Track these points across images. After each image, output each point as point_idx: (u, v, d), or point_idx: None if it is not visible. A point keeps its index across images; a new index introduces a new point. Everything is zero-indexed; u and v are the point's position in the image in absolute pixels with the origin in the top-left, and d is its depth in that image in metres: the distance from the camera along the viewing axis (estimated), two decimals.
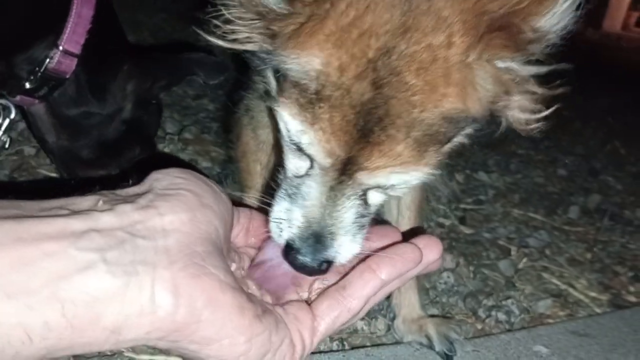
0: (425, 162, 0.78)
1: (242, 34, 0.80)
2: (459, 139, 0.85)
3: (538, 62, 0.79)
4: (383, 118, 0.74)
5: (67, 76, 1.27)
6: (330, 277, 0.79)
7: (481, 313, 1.43)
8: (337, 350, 1.16)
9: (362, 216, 0.82)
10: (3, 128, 1.31)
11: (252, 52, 0.83)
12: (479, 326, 1.39)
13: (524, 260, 1.73)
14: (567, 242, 1.94)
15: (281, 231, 0.81)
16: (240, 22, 0.79)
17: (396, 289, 1.19)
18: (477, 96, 0.76)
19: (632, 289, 1.71)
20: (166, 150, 1.82)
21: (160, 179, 0.66)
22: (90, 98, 1.33)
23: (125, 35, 1.43)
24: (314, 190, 0.81)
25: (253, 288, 0.76)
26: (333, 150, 0.76)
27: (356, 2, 0.74)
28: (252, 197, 1.18)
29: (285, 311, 0.70)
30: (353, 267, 0.78)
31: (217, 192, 0.68)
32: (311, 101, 0.76)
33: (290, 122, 0.79)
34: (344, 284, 0.75)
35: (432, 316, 1.27)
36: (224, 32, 0.80)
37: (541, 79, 0.81)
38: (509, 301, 1.48)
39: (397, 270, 0.75)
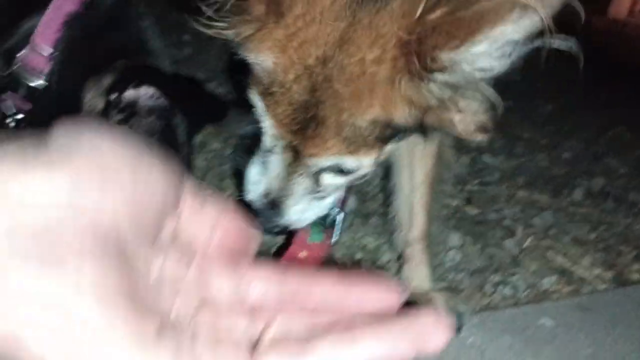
0: (365, 153, 0.90)
1: (221, 25, 0.89)
2: (398, 140, 0.94)
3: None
4: (316, 117, 0.86)
5: (40, 76, 1.10)
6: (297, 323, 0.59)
7: (487, 289, 1.46)
8: None
9: (315, 192, 0.98)
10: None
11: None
12: (486, 301, 1.42)
13: (529, 239, 1.76)
14: (572, 222, 1.97)
15: (248, 192, 1.00)
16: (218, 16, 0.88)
17: (406, 263, 1.24)
18: (402, 110, 0.85)
19: (635, 267, 1.74)
20: None
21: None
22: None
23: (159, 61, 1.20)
24: (275, 164, 0.96)
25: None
26: (280, 136, 0.91)
27: (304, 14, 0.83)
28: None
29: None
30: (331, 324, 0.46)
31: (147, 161, 0.42)
32: (265, 92, 0.89)
33: (257, 102, 0.93)
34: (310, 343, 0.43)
35: (442, 289, 1.31)
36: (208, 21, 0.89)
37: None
38: (515, 277, 1.52)
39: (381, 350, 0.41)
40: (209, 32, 0.89)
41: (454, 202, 1.90)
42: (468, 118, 0.88)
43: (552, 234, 1.84)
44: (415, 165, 1.27)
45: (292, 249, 1.14)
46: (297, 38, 0.84)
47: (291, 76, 0.85)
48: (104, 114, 1.00)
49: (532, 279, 1.55)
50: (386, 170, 1.40)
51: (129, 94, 0.97)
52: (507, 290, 1.46)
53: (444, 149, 1.28)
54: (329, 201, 1.03)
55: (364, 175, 0.98)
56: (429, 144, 1.24)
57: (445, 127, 0.91)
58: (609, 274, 1.66)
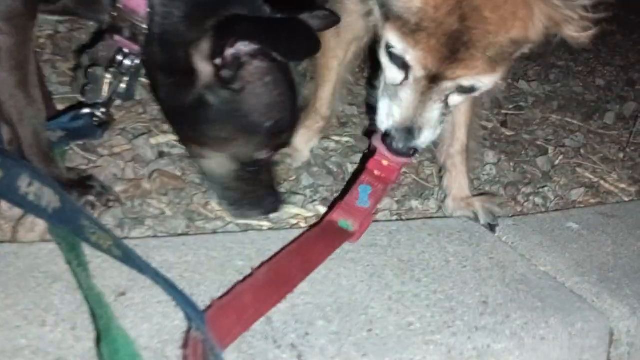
0: (496, 71, 1.08)
1: None
2: (520, 52, 1.12)
3: None
4: (467, 42, 1.02)
5: (140, 19, 1.13)
6: None
7: (520, 198, 1.62)
8: (397, 220, 1.37)
9: (443, 114, 1.15)
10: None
11: None
12: (519, 209, 1.58)
13: (560, 157, 1.90)
14: (602, 143, 2.09)
15: (383, 122, 1.16)
16: None
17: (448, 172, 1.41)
18: (536, 27, 1.03)
19: None
20: None
21: None
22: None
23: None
24: (409, 95, 1.11)
25: None
26: (428, 64, 1.06)
27: None
28: (327, 90, 1.38)
29: None
30: None
31: None
32: (412, 29, 1.03)
33: (397, 43, 1.07)
34: None
35: (479, 194, 1.47)
36: None
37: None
38: (545, 189, 1.67)
39: None
40: None
41: (490, 125, 2.03)
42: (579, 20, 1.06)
43: (582, 153, 1.97)
44: None
45: (377, 156, 1.25)
46: None
47: (443, 10, 1.01)
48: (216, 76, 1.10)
49: (562, 191, 1.70)
50: None
51: (228, 52, 1.07)
52: (538, 200, 1.61)
53: None
54: (449, 118, 1.20)
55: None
56: None
57: (563, 35, 1.09)
58: (633, 188, 1.80)
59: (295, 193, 1.42)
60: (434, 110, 1.12)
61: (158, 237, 1.17)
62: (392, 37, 1.08)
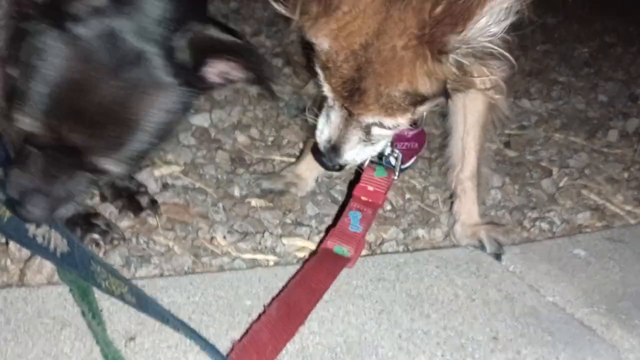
0: (397, 116, 1.15)
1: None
2: (429, 104, 1.18)
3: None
4: (360, 88, 1.11)
5: None
6: None
7: (526, 224, 1.61)
8: (404, 252, 1.37)
9: (366, 140, 1.23)
10: None
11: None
12: (525, 234, 1.57)
13: (565, 179, 1.90)
14: (606, 163, 2.08)
15: (318, 138, 1.26)
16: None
17: (457, 198, 1.42)
18: (424, 83, 1.09)
19: None
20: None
21: None
22: None
23: None
24: (335, 117, 1.21)
25: None
26: (335, 99, 1.17)
27: (350, 11, 1.07)
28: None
29: None
30: None
31: None
32: (323, 66, 1.14)
33: (319, 73, 1.18)
34: None
35: (486, 223, 1.46)
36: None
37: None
38: (551, 213, 1.66)
39: None
40: (279, 9, 1.13)
41: (494, 146, 2.02)
42: (487, 79, 1.15)
43: (587, 173, 1.97)
44: (467, 109, 1.42)
45: (362, 182, 1.35)
46: (345, 29, 1.08)
47: (341, 57, 1.10)
48: None
49: (567, 215, 1.69)
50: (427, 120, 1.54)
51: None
52: (544, 225, 1.60)
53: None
54: (379, 147, 1.28)
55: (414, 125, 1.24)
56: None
57: (466, 89, 1.16)
58: (639, 210, 1.79)
59: (301, 224, 1.41)
60: (354, 136, 1.21)
61: (165, 276, 1.17)
62: (315, 66, 1.17)
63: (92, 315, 0.93)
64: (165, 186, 1.47)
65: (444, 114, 1.53)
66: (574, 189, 1.86)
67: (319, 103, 1.29)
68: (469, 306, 1.17)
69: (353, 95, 1.13)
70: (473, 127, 1.42)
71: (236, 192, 1.50)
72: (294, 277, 1.14)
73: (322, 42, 1.12)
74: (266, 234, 1.34)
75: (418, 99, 1.13)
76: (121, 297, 0.98)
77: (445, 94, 1.16)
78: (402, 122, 1.17)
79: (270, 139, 1.79)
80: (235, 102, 1.91)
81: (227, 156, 1.64)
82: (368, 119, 1.17)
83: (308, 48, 1.18)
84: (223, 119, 1.81)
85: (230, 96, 1.94)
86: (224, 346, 0.96)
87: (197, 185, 1.50)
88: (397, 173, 1.39)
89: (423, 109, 1.20)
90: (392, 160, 1.38)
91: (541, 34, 3.18)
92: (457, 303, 1.18)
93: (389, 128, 1.20)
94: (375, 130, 1.21)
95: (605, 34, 3.61)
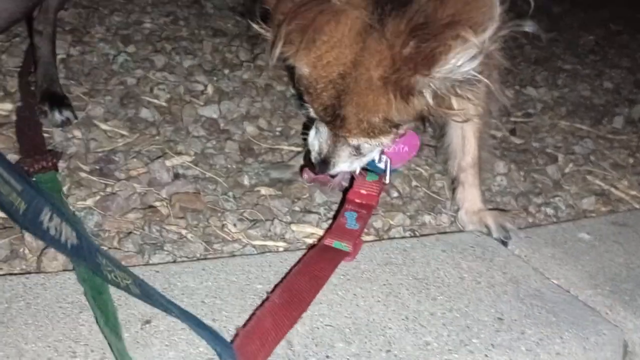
0: (381, 137, 1.21)
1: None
2: (412, 124, 1.28)
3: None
4: (340, 115, 1.17)
5: None
6: None
7: (532, 209, 1.64)
8: (410, 237, 1.40)
9: (355, 154, 1.29)
10: None
11: None
12: (530, 220, 1.60)
13: (570, 165, 1.92)
14: (611, 149, 2.10)
15: (310, 150, 1.33)
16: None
17: (460, 185, 1.44)
18: (399, 115, 1.14)
19: None
20: (244, 76, 2.03)
21: None
22: None
23: None
24: (324, 132, 1.27)
25: None
26: (319, 119, 1.24)
27: (327, 41, 1.11)
28: None
29: None
30: None
31: None
32: (305, 90, 1.20)
33: (303, 95, 1.23)
34: None
35: (491, 209, 1.49)
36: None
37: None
38: (557, 199, 1.69)
39: None
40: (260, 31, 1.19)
41: (500, 133, 2.05)
42: (466, 107, 1.18)
43: (592, 159, 1.99)
44: None
45: (355, 187, 1.38)
46: (323, 58, 1.13)
47: (321, 86, 1.16)
48: None
49: (573, 200, 1.71)
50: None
51: None
52: (550, 210, 1.63)
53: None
54: (368, 158, 1.34)
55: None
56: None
57: (446, 117, 1.25)
58: None
59: (309, 212, 1.44)
60: (343, 151, 1.27)
61: (178, 262, 1.20)
62: (299, 89, 1.24)
63: (105, 321, 0.93)
64: (176, 176, 1.50)
65: None
66: (579, 175, 1.88)
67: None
68: (474, 288, 1.20)
69: (335, 120, 1.19)
70: (472, 136, 1.46)
71: (246, 181, 1.53)
72: (295, 265, 1.16)
73: (303, 69, 1.17)
74: (275, 221, 1.37)
75: (398, 124, 1.19)
76: (127, 289, 1.00)
77: (422, 120, 1.24)
78: (386, 141, 1.24)
79: (278, 129, 1.81)
80: (243, 93, 1.94)
81: (237, 146, 1.67)
82: (353, 140, 1.23)
83: (292, 70, 1.23)
84: (232, 110, 1.83)
85: (239, 87, 1.97)
86: (234, 327, 0.99)
87: (208, 174, 1.53)
88: (387, 178, 1.42)
89: (406, 127, 1.28)
90: (382, 166, 1.41)
91: (547, 22, 3.18)
92: (462, 285, 1.20)
93: (376, 145, 1.27)
94: (364, 146, 1.27)
95: (611, 22, 3.61)
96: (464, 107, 1.17)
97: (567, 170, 1.89)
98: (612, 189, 1.82)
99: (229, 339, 0.95)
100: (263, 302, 1.06)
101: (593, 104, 2.47)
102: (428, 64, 1.03)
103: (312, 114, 1.25)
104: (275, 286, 1.10)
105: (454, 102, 1.15)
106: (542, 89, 2.46)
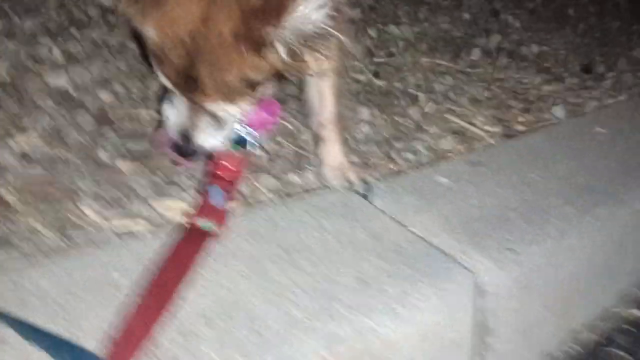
0: (238, 102, 1.18)
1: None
2: (269, 85, 1.22)
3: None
4: (194, 77, 1.11)
5: None
6: None
7: (394, 155, 1.68)
8: (277, 202, 1.40)
9: (215, 123, 1.22)
10: None
11: None
12: (393, 167, 1.65)
13: (430, 104, 1.98)
14: (469, 83, 2.19)
15: (166, 127, 1.25)
16: None
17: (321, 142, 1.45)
18: (253, 72, 1.12)
19: (521, 119, 2.00)
20: (94, 36, 1.90)
21: None
22: None
23: None
24: (179, 105, 1.21)
25: None
26: (173, 87, 1.16)
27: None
28: None
29: None
30: None
31: None
32: (154, 54, 1.14)
33: (152, 62, 1.17)
34: None
35: (353, 163, 1.52)
36: None
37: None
38: (417, 142, 1.75)
39: None
40: None
41: (363, 77, 2.06)
42: (321, 60, 1.16)
43: (451, 96, 2.06)
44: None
45: (216, 158, 1.33)
46: (169, 17, 1.09)
47: (168, 46, 1.10)
48: None
49: (432, 142, 1.78)
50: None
51: None
52: (410, 156, 1.68)
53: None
54: (230, 127, 1.26)
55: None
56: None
57: (302, 73, 1.22)
58: (497, 129, 1.92)
59: (171, 183, 1.40)
60: (201, 121, 1.21)
61: (27, 258, 1.13)
62: (149, 54, 1.17)
63: None
64: (24, 157, 1.40)
65: None
66: (438, 114, 1.95)
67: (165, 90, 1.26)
68: (337, 250, 1.23)
69: (189, 84, 1.13)
70: (328, 71, 1.44)
71: (102, 156, 1.46)
72: (158, 248, 1.14)
73: (150, 31, 1.12)
74: (134, 199, 1.32)
75: (255, 83, 1.15)
76: None
77: (279, 77, 1.19)
78: (245, 106, 1.21)
79: (135, 92, 1.73)
80: (94, 55, 1.81)
81: (90, 117, 1.58)
82: (210, 106, 1.18)
83: (139, 38, 1.16)
84: (83, 76, 1.72)
85: (89, 49, 1.84)
86: (91, 325, 0.96)
87: (59, 152, 1.44)
88: (248, 147, 1.36)
89: (264, 89, 1.22)
90: (244, 136, 1.35)
91: None
92: (326, 248, 1.23)
93: (236, 113, 1.22)
94: (224, 115, 1.22)
95: None
96: (318, 61, 1.16)
97: (426, 109, 1.95)
98: (469, 126, 1.91)
99: (91, 344, 0.92)
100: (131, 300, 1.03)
101: (452, 36, 2.54)
102: (277, 14, 1.03)
103: (165, 81, 1.18)
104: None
105: (308, 57, 1.13)
106: (404, 26, 2.49)
